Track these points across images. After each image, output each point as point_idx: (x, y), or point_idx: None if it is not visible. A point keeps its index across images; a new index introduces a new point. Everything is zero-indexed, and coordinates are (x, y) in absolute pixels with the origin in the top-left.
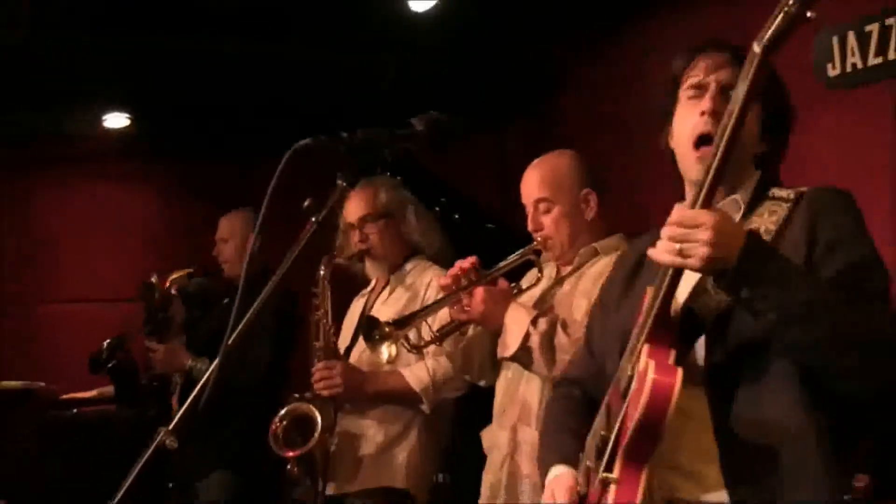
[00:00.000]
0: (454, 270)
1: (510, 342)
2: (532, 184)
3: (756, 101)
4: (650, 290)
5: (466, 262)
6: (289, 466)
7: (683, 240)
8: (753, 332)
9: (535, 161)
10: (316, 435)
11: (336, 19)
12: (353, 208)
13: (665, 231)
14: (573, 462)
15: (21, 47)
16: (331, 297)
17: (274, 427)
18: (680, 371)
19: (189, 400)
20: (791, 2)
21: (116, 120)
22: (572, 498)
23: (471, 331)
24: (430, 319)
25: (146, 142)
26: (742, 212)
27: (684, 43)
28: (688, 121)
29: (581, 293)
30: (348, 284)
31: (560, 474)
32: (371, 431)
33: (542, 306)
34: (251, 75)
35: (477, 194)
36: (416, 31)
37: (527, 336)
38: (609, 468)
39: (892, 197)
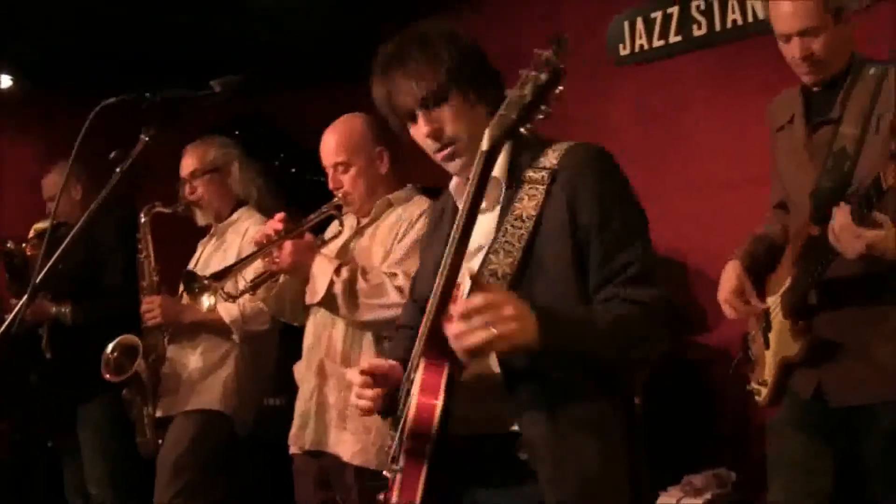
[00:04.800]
0: (266, 228)
1: (317, 290)
2: (329, 149)
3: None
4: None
5: (276, 222)
6: (124, 391)
7: (492, 321)
8: None
9: (331, 126)
10: (137, 362)
11: None
12: (184, 164)
13: (466, 320)
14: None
15: None
16: (152, 241)
17: (106, 357)
18: (442, 394)
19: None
20: (511, 113)
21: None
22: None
23: (282, 279)
24: (244, 271)
25: (29, 99)
26: (503, 191)
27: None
28: (420, 140)
29: (378, 242)
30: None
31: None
32: (192, 359)
33: (345, 256)
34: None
35: None
36: None
37: (331, 284)
38: (396, 459)
39: (678, 154)
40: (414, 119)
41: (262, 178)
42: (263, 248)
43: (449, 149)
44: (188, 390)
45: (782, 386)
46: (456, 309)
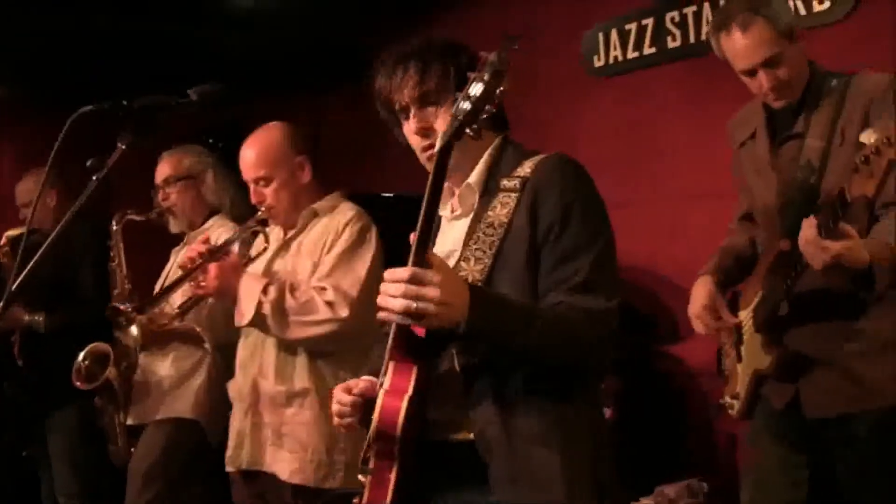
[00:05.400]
0: (189, 252)
1: (245, 311)
2: (249, 164)
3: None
4: None
5: (199, 244)
6: (96, 399)
7: (416, 297)
8: None
9: (249, 139)
10: (107, 371)
11: None
12: (159, 170)
13: (392, 288)
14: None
15: None
16: (124, 248)
17: (77, 365)
18: (408, 395)
19: None
20: (459, 115)
21: None
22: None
23: (209, 302)
24: (173, 297)
25: (8, 106)
26: (478, 198)
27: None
28: (410, 137)
29: (305, 254)
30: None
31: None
32: (164, 367)
33: (272, 273)
34: (107, 41)
35: None
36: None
37: (259, 304)
38: (367, 460)
39: (650, 167)
40: (407, 115)
41: (236, 187)
42: (188, 272)
43: (434, 148)
44: (160, 398)
45: (755, 399)
46: (390, 272)
